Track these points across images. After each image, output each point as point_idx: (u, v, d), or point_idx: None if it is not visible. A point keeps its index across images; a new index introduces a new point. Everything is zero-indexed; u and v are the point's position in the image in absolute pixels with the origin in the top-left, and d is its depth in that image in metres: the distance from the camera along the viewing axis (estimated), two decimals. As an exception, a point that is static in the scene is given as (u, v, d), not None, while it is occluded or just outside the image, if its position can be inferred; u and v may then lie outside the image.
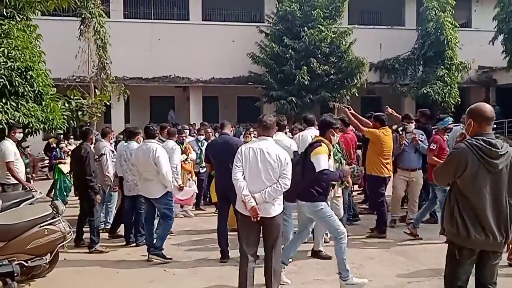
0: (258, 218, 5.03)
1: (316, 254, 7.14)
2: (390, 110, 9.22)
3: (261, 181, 5.10)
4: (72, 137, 14.27)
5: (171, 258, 7.28)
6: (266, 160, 5.09)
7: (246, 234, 5.24)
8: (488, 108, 3.79)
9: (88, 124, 13.46)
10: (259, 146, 5.17)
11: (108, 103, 17.02)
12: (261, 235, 5.30)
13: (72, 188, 10.17)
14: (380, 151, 8.25)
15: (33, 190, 7.23)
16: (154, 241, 7.28)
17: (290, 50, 22.09)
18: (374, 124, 8.45)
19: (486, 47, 24.24)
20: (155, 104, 26.49)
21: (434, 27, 23.87)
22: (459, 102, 23.65)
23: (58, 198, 11.30)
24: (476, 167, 3.67)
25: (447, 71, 23.83)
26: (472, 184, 3.71)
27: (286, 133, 8.21)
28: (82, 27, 19.50)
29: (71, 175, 10.36)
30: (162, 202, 7.25)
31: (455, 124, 10.93)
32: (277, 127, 5.90)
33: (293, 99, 21.74)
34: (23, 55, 9.69)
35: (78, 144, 8.19)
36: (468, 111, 3.85)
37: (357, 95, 23.09)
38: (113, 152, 9.12)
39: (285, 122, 7.22)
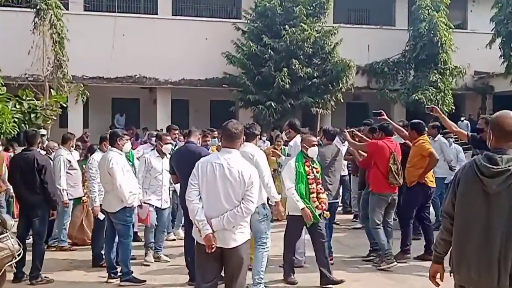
0: (213, 249, 4.76)
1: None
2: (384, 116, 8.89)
3: (220, 204, 4.81)
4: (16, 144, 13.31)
5: (145, 281, 7.29)
6: (226, 177, 4.81)
7: (202, 265, 4.94)
8: (509, 120, 3.56)
9: (42, 127, 13.21)
10: (219, 160, 4.87)
11: (64, 105, 16.85)
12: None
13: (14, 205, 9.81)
14: (424, 164, 8.34)
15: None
16: (119, 267, 7.30)
17: (269, 50, 22.20)
18: (410, 132, 8.50)
19: (483, 50, 24.58)
20: (118, 107, 26.27)
21: (427, 27, 24.08)
22: (453, 110, 23.88)
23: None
24: (469, 185, 3.56)
25: (440, 76, 24.11)
26: (461, 205, 3.60)
27: (260, 142, 8.10)
28: (36, 19, 19.31)
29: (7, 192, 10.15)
30: (118, 218, 7.27)
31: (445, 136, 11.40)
32: (245, 137, 5.88)
33: (272, 104, 21.83)
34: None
35: (22, 150, 7.74)
36: (490, 120, 3.75)
37: (342, 100, 23.23)
38: (70, 162, 8.95)
39: (257, 131, 6.91)
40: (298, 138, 7.77)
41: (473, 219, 3.52)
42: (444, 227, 3.74)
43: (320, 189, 7.04)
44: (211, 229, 4.75)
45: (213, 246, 4.74)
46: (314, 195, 6.94)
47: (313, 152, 7.08)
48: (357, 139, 9.06)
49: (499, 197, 3.46)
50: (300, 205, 6.84)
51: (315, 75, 22.50)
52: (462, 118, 23.94)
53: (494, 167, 3.46)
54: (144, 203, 8.14)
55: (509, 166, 3.45)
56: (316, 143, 7.15)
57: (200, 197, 4.84)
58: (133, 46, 23.09)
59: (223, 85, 23.91)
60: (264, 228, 6.71)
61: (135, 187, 7.54)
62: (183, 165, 6.79)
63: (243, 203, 4.78)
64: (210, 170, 4.83)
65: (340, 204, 11.03)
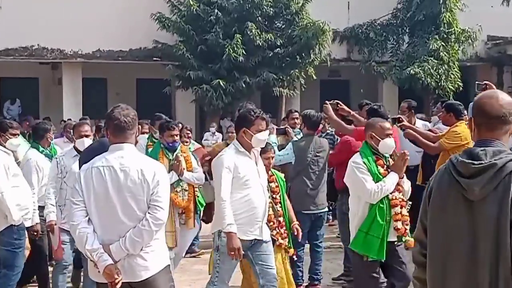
0: (118, 286, 4.85)
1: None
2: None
3: (118, 221, 4.90)
4: None
5: None
6: (120, 183, 4.90)
7: None
8: (493, 101, 3.53)
9: None
10: (107, 162, 4.98)
11: None
12: None
13: None
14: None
15: None
16: None
17: (216, 11, 22.19)
18: (446, 116, 9.19)
19: (498, 8, 24.70)
20: (8, 91, 26.17)
21: (425, -23, 24.37)
22: (461, 88, 23.89)
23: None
24: (443, 193, 3.54)
25: (443, 43, 23.91)
26: (434, 224, 3.57)
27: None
28: None
29: None
30: (2, 240, 7.23)
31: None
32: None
33: (221, 83, 21.83)
34: None
35: None
36: (472, 105, 3.76)
37: (314, 77, 23.31)
38: None
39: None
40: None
41: (451, 243, 3.49)
42: (416, 261, 3.75)
43: (402, 200, 6.74)
44: (111, 258, 4.82)
45: (117, 281, 4.81)
46: (398, 209, 6.57)
47: (387, 146, 6.71)
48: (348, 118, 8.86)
49: (484, 205, 3.39)
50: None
51: (278, 44, 22.49)
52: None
53: (475, 162, 3.41)
54: (60, 227, 7.96)
55: (495, 160, 3.39)
56: (390, 131, 6.83)
57: (89, 219, 4.92)
58: (27, 8, 22.84)
59: (154, 59, 24.10)
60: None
61: (28, 199, 7.44)
62: None
63: (149, 212, 4.86)
64: (97, 178, 4.94)
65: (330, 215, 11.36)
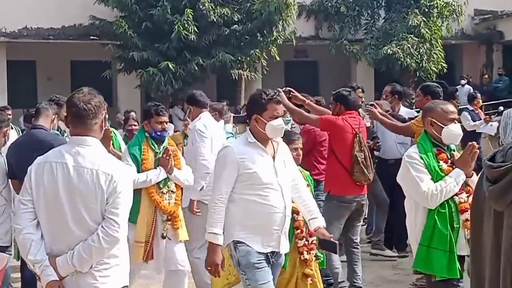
0: None
1: None
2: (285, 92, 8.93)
3: (67, 230, 4.78)
4: None
5: None
6: (72, 185, 4.76)
7: None
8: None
9: None
10: (62, 157, 4.82)
11: None
12: None
13: None
14: None
15: None
16: None
17: None
18: (422, 100, 9.16)
19: None
20: None
21: None
22: (445, 70, 24.18)
23: None
24: (479, 204, 3.73)
25: (424, 19, 24.18)
26: (472, 245, 3.84)
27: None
28: None
29: None
30: None
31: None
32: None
33: (170, 65, 21.75)
34: None
35: None
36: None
37: (278, 58, 23.26)
38: None
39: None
40: (205, 116, 8.41)
41: (483, 268, 3.70)
42: None
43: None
44: (56, 273, 4.74)
45: None
46: (467, 215, 5.89)
47: (452, 134, 6.23)
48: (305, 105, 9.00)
49: (509, 219, 3.49)
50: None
51: (236, 20, 22.45)
52: (462, 82, 24.43)
53: (494, 164, 3.53)
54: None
55: None
56: (455, 115, 6.37)
57: (38, 223, 4.84)
58: None
59: (91, 37, 23.97)
60: None
61: None
62: (26, 164, 6.27)
63: (102, 226, 4.72)
64: (48, 175, 4.80)
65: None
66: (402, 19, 24.38)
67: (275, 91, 7.14)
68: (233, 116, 11.28)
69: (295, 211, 6.60)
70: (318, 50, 26.38)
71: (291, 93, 8.77)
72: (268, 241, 6.02)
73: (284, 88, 8.78)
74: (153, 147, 7.88)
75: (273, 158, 6.09)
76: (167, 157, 7.64)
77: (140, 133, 8.14)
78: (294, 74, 25.02)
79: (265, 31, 22.66)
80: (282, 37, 22.97)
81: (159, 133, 7.86)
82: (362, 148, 8.36)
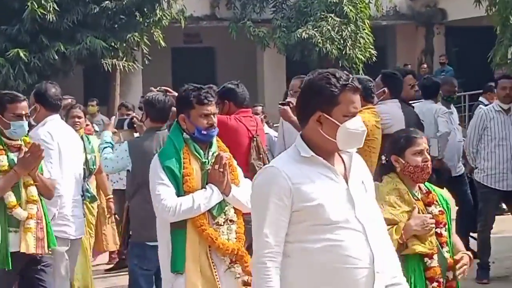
0: None
1: None
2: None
3: None
4: None
5: None
6: None
7: None
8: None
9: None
10: None
11: None
12: None
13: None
14: None
15: None
16: None
17: None
18: (380, 93, 9.82)
19: None
20: None
21: None
22: (374, 58, 24.49)
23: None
24: None
25: None
26: None
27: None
28: None
29: None
30: None
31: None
32: None
33: (22, 53, 21.73)
34: None
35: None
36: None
37: (163, 43, 23.55)
38: None
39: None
40: (52, 119, 8.34)
41: None
42: None
43: None
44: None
45: None
46: None
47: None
48: None
49: None
50: None
51: None
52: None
53: None
54: None
55: None
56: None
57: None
58: None
59: None
60: None
61: None
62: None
63: None
64: None
65: None
66: (320, -4, 23.44)
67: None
68: (117, 119, 9.98)
69: (426, 254, 5.71)
70: (215, 34, 26.63)
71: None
72: None
73: (159, 88, 8.73)
74: (197, 155, 6.51)
75: (346, 180, 4.44)
76: (222, 170, 6.29)
77: (175, 133, 6.62)
78: (184, 64, 25.36)
79: (145, 9, 22.81)
80: (168, 17, 23.16)
81: (205, 132, 6.47)
82: (261, 155, 8.54)
